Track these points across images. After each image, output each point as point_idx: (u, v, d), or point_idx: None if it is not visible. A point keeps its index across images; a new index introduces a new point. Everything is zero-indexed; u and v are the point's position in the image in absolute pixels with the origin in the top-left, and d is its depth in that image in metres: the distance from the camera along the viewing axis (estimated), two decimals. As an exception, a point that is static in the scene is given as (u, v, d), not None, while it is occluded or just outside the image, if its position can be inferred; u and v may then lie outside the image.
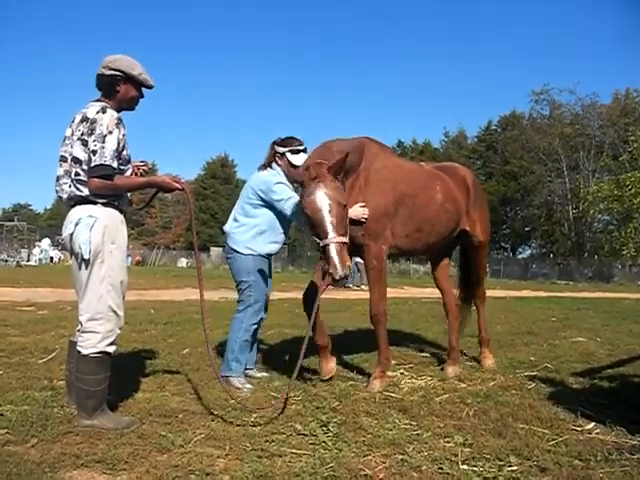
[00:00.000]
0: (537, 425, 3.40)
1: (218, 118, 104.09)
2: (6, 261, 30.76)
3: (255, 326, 4.38)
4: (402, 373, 4.80)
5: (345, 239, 3.64)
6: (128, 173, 3.39)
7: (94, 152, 3.12)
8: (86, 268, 3.17)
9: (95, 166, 3.12)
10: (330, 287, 4.02)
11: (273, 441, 3.07)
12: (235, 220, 4.43)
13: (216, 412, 3.55)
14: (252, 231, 4.32)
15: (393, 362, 5.05)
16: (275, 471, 2.67)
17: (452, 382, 4.54)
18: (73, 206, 3.24)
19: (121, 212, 3.32)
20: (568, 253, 45.12)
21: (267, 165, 4.43)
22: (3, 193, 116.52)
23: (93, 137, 3.13)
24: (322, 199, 3.64)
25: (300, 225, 4.38)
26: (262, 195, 4.29)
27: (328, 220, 3.60)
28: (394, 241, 4.43)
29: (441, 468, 2.76)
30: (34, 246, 38.08)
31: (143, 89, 3.39)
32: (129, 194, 3.43)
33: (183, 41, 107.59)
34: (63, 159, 3.28)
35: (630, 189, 34.83)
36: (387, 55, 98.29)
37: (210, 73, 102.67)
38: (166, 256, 47.21)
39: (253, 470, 2.67)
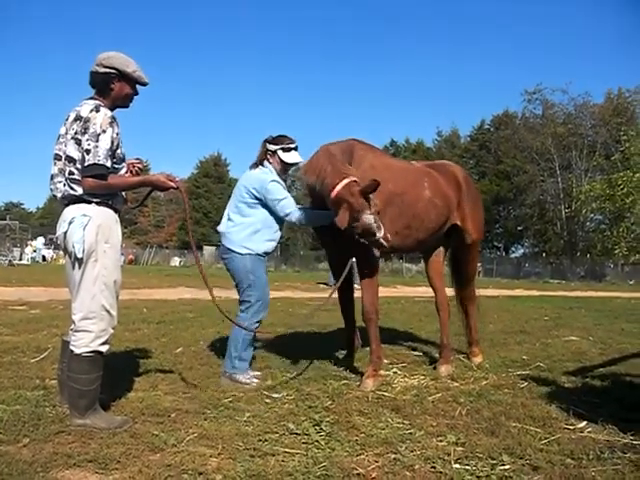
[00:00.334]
0: (529, 424, 3.42)
1: (211, 117, 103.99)
2: (-2, 260, 30.55)
3: (257, 324, 4.38)
4: (395, 372, 4.80)
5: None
6: (122, 171, 3.38)
7: (88, 151, 3.10)
8: (79, 267, 3.16)
9: (89, 165, 3.10)
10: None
11: (266, 440, 3.07)
12: (230, 220, 4.42)
13: (209, 411, 3.54)
14: (248, 230, 4.31)
15: (386, 361, 5.06)
16: (268, 470, 2.67)
17: (445, 381, 4.55)
18: (67, 205, 3.22)
19: (115, 211, 3.31)
20: (561, 252, 45.31)
21: (259, 163, 4.45)
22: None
23: (87, 136, 3.12)
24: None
25: (299, 223, 4.42)
26: (256, 193, 4.30)
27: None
28: None
29: (434, 467, 2.77)
30: (26, 245, 37.88)
31: (137, 86, 3.38)
32: (124, 193, 3.42)
33: (179, 40, 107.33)
34: (57, 157, 3.26)
35: (622, 188, 35.04)
36: (381, 55, 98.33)
37: (204, 72, 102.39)
38: (159, 255, 47.13)
39: (246, 469, 2.67)
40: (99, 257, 3.17)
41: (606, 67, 77.97)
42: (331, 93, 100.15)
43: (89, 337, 3.16)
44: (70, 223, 3.14)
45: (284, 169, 4.48)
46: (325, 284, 18.47)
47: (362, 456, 2.90)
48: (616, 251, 36.27)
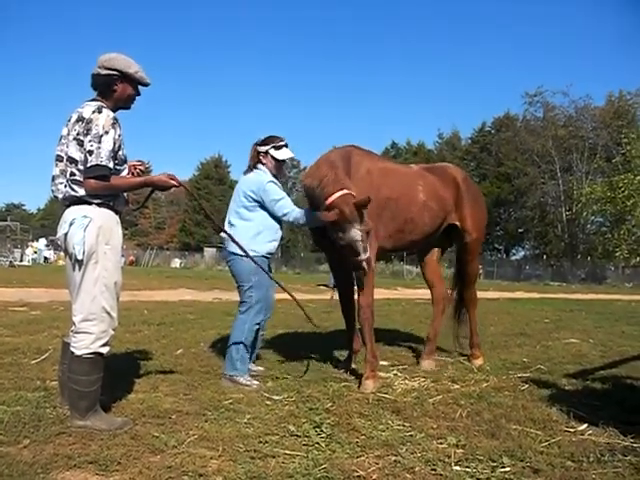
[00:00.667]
0: (530, 426, 3.41)
1: (212, 119, 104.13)
2: (-1, 261, 30.57)
3: (257, 326, 4.44)
4: (395, 374, 4.81)
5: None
6: (124, 173, 3.38)
7: (90, 152, 3.10)
8: (80, 269, 3.16)
9: (91, 166, 3.10)
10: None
11: (266, 442, 3.07)
12: (231, 225, 4.45)
13: (209, 413, 3.54)
14: (250, 233, 4.35)
15: (387, 363, 5.07)
16: (268, 472, 2.67)
17: (445, 383, 4.55)
18: (68, 206, 3.22)
19: (116, 212, 3.31)
20: (561, 255, 45.29)
21: (253, 167, 4.50)
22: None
23: (89, 137, 3.12)
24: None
25: (296, 223, 4.46)
26: (254, 196, 4.34)
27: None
28: (377, 242, 4.59)
29: (434, 469, 2.77)
30: (27, 246, 37.91)
31: (139, 87, 3.38)
32: (125, 194, 3.42)
33: (179, 41, 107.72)
34: (59, 159, 3.26)
35: (623, 191, 35.08)
36: (381, 55, 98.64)
37: (204, 73, 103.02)
38: (159, 257, 47.14)
39: (246, 471, 2.66)
40: (100, 259, 3.17)
41: (607, 69, 78.20)
42: (332, 94, 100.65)
43: (90, 339, 3.16)
44: (71, 224, 3.14)
45: (278, 167, 4.55)
46: (325, 286, 18.44)
47: (362, 458, 2.90)
48: (617, 254, 36.29)
